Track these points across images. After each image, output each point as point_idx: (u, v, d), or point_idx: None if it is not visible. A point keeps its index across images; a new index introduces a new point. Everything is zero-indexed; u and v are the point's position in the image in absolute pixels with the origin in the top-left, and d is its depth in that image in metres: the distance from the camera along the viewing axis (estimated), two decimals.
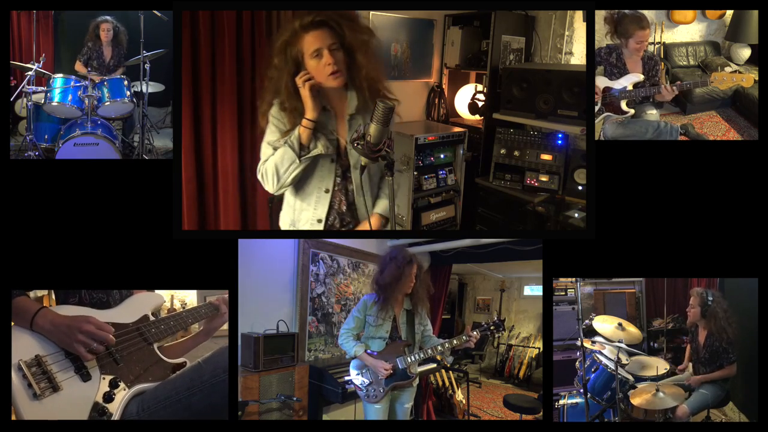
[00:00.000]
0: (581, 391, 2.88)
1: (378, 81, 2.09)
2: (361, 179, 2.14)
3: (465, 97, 4.37)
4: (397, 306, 2.61)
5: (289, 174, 2.04)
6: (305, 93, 1.98)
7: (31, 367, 1.74)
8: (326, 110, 2.10)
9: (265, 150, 2.08)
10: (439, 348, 2.57)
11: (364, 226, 2.22)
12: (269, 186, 2.08)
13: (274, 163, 2.03)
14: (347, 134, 2.13)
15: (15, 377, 1.70)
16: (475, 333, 2.56)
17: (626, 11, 2.97)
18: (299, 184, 2.16)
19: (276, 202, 3.03)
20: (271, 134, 2.08)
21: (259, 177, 2.10)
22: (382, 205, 2.27)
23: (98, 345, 1.82)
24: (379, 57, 2.12)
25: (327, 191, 2.14)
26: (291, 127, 2.04)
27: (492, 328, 2.60)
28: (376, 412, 2.54)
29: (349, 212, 2.21)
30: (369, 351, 2.54)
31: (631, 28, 2.96)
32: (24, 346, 1.77)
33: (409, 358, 2.53)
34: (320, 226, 2.16)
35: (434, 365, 3.84)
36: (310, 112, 2.00)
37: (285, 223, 2.28)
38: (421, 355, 2.55)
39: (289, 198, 2.24)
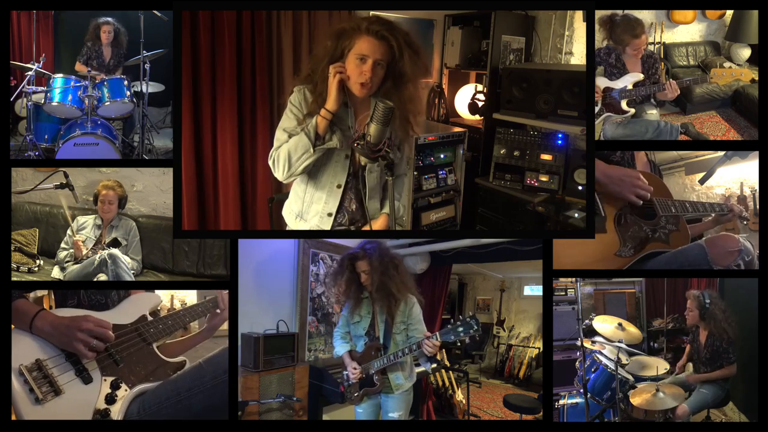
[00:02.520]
0: (581, 391, 2.88)
1: (412, 113, 2.09)
2: (376, 180, 2.15)
3: (465, 97, 4.37)
4: (375, 303, 2.49)
5: (302, 162, 2.01)
6: (332, 83, 1.97)
7: (32, 371, 1.73)
8: (347, 107, 2.10)
9: (279, 136, 2.06)
10: (400, 354, 2.37)
11: (373, 226, 2.21)
12: (279, 173, 2.05)
13: (288, 149, 2.01)
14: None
15: (16, 382, 1.70)
16: (433, 340, 2.29)
17: (618, 17, 2.96)
18: (313, 177, 2.15)
19: (276, 202, 3.04)
20: (287, 121, 2.06)
21: (270, 163, 2.07)
22: (389, 206, 2.23)
23: (98, 342, 1.82)
24: (422, 95, 2.10)
25: (339, 187, 2.13)
26: (309, 117, 2.03)
27: (460, 329, 2.23)
28: (358, 414, 2.51)
29: (359, 211, 2.21)
30: (356, 350, 2.51)
31: (625, 38, 2.94)
32: (24, 350, 1.77)
33: (375, 363, 2.41)
34: (329, 220, 2.15)
35: (433, 365, 3.84)
36: (331, 104, 1.98)
37: (291, 213, 2.26)
38: (385, 362, 2.39)
39: (298, 189, 2.22)
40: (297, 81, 2.12)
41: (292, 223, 2.27)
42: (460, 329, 2.23)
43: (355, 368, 2.44)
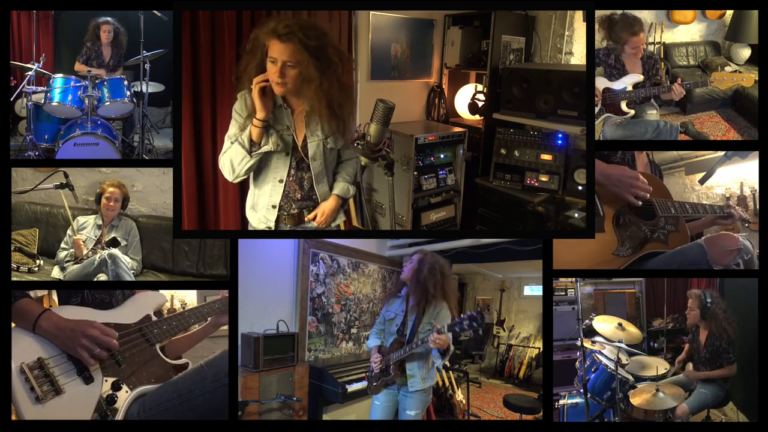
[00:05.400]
0: (581, 391, 2.88)
1: (319, 113, 2.19)
2: (321, 167, 2.30)
3: (465, 97, 4.37)
4: (411, 296, 2.63)
5: (243, 167, 2.19)
6: (255, 94, 2.10)
7: (34, 369, 1.73)
8: (283, 108, 2.23)
9: (225, 143, 2.23)
10: (413, 346, 2.47)
11: (325, 207, 2.35)
12: (227, 176, 2.24)
13: (230, 157, 2.19)
14: (305, 129, 2.26)
15: (17, 380, 1.70)
16: (437, 335, 2.33)
17: (617, 16, 2.96)
18: (258, 173, 2.31)
19: None
20: (232, 128, 2.22)
21: (220, 166, 2.26)
22: (339, 187, 2.40)
23: (101, 351, 1.82)
24: (348, 88, 2.24)
25: (281, 181, 2.28)
26: (249, 120, 2.16)
27: (465, 323, 2.30)
28: (375, 406, 2.62)
29: (306, 198, 2.34)
30: (385, 346, 2.62)
31: (623, 36, 2.95)
32: (26, 348, 1.77)
33: (393, 355, 2.54)
34: (274, 212, 2.31)
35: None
36: (259, 113, 2.13)
37: (248, 206, 2.42)
38: (401, 353, 2.51)
39: (251, 184, 2.39)
40: (238, 87, 2.23)
41: (248, 214, 2.42)
42: (466, 322, 2.31)
43: (376, 360, 2.59)
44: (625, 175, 2.45)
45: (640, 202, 2.46)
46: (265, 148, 2.18)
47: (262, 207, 2.33)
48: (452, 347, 2.45)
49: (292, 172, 2.29)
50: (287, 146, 2.24)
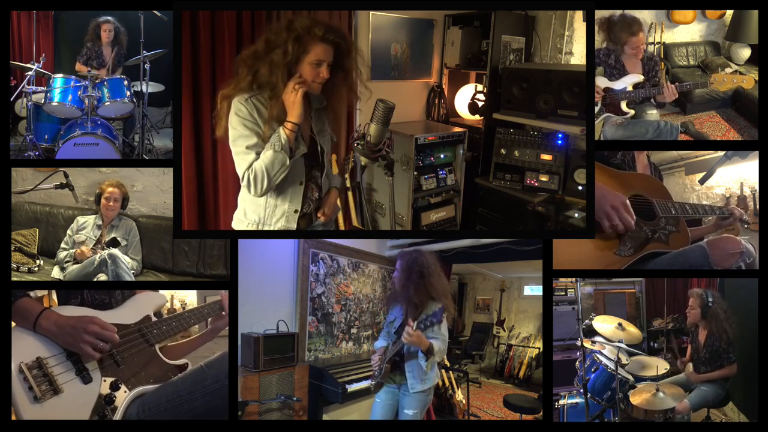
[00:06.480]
0: (581, 391, 2.88)
1: (353, 98, 2.32)
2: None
3: (465, 97, 4.37)
4: (405, 305, 2.64)
5: (279, 176, 2.08)
6: (296, 98, 2.05)
7: (32, 369, 1.73)
8: None
9: (245, 156, 2.08)
10: (393, 347, 2.54)
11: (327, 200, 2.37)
12: (258, 190, 2.09)
13: (264, 167, 2.05)
14: (309, 127, 2.24)
15: (16, 379, 1.70)
16: (409, 331, 2.41)
17: (616, 17, 2.96)
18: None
19: None
20: (247, 138, 2.08)
21: (244, 183, 2.11)
22: (337, 180, 2.47)
23: (104, 345, 1.82)
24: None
25: (301, 183, 2.22)
26: (267, 131, 2.08)
27: (429, 319, 2.41)
28: (376, 404, 2.66)
29: (320, 197, 2.33)
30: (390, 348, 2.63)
31: (623, 36, 2.95)
32: (25, 347, 1.77)
33: (387, 356, 2.55)
34: (296, 216, 2.23)
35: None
36: (298, 117, 2.07)
37: (251, 224, 2.27)
38: (390, 354, 2.54)
39: (256, 198, 2.23)
40: (235, 91, 2.13)
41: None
42: (430, 319, 2.38)
43: (376, 360, 2.62)
44: (602, 198, 2.39)
45: (610, 229, 2.39)
46: (299, 152, 2.14)
47: (279, 217, 2.22)
48: (435, 346, 2.43)
49: (307, 171, 2.24)
50: (305, 146, 2.20)
